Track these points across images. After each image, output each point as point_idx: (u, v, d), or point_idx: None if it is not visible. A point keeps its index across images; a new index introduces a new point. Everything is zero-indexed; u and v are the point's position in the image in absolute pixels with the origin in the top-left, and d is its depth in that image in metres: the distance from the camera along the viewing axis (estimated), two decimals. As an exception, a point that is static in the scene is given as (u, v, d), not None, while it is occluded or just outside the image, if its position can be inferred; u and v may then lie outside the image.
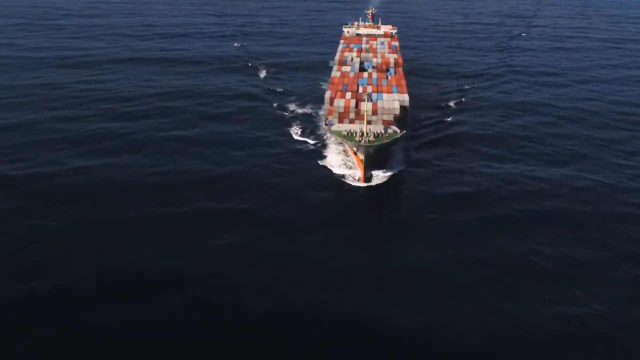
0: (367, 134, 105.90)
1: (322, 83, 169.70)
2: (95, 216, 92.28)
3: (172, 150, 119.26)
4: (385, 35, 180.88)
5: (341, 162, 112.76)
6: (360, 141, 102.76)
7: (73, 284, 75.57)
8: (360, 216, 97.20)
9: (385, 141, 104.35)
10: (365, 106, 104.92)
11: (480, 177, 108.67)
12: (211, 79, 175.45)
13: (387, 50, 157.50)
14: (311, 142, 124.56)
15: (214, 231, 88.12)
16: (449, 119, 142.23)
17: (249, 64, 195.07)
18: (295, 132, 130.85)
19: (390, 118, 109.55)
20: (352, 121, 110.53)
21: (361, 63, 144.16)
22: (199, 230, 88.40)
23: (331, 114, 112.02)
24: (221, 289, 75.32)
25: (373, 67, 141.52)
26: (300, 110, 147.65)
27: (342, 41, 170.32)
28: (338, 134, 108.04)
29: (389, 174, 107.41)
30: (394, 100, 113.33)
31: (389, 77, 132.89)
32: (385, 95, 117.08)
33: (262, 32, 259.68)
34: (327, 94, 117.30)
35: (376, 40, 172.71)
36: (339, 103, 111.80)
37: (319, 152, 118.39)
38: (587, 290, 76.42)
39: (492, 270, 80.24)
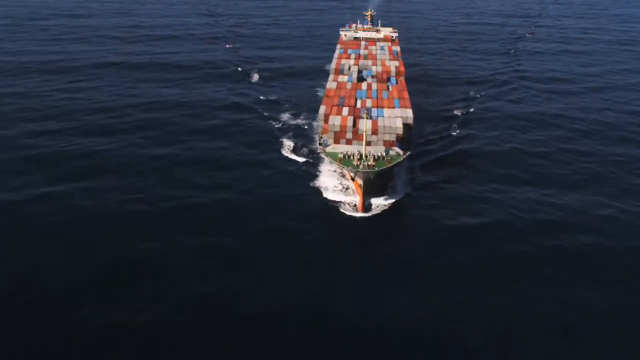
0: (366, 156, 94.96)
1: (318, 89, 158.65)
2: (57, 257, 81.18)
3: (151, 171, 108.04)
4: (385, 39, 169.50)
5: (337, 185, 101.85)
6: (358, 166, 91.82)
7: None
8: (353, 257, 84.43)
9: (387, 165, 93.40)
10: (364, 125, 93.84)
11: (492, 204, 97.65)
12: (199, 87, 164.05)
13: (387, 56, 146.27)
14: (304, 160, 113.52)
15: (193, 275, 77.31)
16: (455, 132, 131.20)
17: (240, 69, 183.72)
18: (288, 148, 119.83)
19: (392, 138, 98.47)
20: (349, 141, 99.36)
21: (359, 72, 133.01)
22: (176, 274, 77.51)
23: (326, 133, 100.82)
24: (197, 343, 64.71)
25: (372, 77, 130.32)
26: (293, 122, 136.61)
27: (338, 46, 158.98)
28: (333, 156, 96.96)
29: (390, 201, 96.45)
30: (396, 118, 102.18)
31: (390, 87, 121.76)
32: (386, 111, 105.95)
33: (255, 33, 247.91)
34: (321, 110, 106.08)
35: (375, 44, 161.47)
36: (335, 121, 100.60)
37: (312, 173, 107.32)
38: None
39: (511, 331, 69.07)
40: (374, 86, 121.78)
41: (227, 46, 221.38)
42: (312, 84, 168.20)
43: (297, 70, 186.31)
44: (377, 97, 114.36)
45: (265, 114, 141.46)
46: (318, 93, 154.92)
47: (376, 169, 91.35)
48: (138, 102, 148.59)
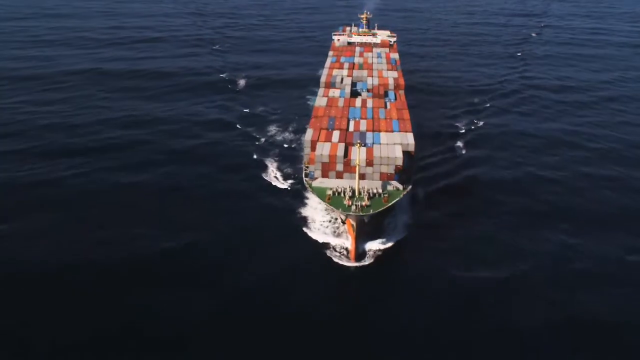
0: (359, 193, 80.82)
1: (310, 98, 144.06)
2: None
3: (113, 206, 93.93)
4: (382, 44, 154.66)
5: (326, 222, 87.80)
6: (350, 207, 77.67)
7: None
8: (340, 327, 68.90)
9: (384, 206, 79.22)
10: (357, 155, 79.63)
11: (506, 251, 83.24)
12: (178, 98, 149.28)
13: (385, 65, 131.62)
14: (290, 188, 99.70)
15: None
16: (461, 153, 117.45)
17: (225, 77, 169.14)
18: (272, 173, 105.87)
19: (391, 170, 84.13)
20: (339, 174, 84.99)
21: (353, 84, 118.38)
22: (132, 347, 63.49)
23: (312, 163, 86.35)
24: None
25: (368, 91, 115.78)
26: (280, 139, 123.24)
27: (330, 53, 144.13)
28: (321, 193, 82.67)
29: (388, 244, 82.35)
30: (395, 145, 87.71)
31: (388, 105, 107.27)
32: (383, 136, 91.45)
33: (245, 35, 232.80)
34: (308, 135, 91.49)
35: (372, 51, 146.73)
36: (323, 150, 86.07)
37: (298, 206, 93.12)
38: None
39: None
40: (370, 103, 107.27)
41: (215, 47, 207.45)
42: (301, 93, 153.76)
43: (286, 77, 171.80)
44: (372, 117, 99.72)
45: (249, 130, 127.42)
46: (309, 102, 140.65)
47: (371, 211, 77.18)
48: (109, 117, 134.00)
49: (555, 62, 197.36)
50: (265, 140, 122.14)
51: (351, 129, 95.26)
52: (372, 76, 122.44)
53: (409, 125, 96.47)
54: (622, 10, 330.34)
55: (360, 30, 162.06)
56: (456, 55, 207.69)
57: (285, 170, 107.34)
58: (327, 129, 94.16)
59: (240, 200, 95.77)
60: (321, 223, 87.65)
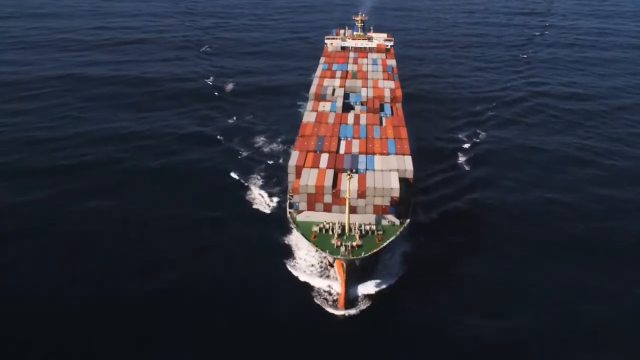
0: (350, 230, 70.66)
1: (301, 105, 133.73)
2: None
3: (77, 237, 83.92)
4: (378, 49, 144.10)
5: (314, 260, 77.51)
6: (339, 248, 67.50)
7: None
8: None
9: (378, 244, 69.11)
10: (348, 186, 69.37)
11: (514, 295, 73.28)
12: (160, 108, 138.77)
13: (380, 74, 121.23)
14: (275, 213, 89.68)
15: None
16: (464, 172, 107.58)
17: (212, 84, 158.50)
18: (256, 197, 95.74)
19: (386, 202, 73.85)
20: (327, 207, 74.66)
21: (346, 96, 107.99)
22: None
23: (297, 193, 75.96)
24: None
25: (362, 104, 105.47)
26: (267, 151, 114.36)
27: (322, 59, 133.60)
28: (306, 229, 72.41)
29: (382, 286, 72.21)
30: (391, 172, 77.36)
31: (384, 121, 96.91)
32: (378, 160, 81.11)
33: (235, 37, 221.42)
34: (293, 159, 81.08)
35: (367, 57, 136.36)
36: (309, 179, 75.62)
37: (282, 239, 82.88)
38: None
39: None
40: (363, 119, 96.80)
41: (203, 48, 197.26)
42: (292, 100, 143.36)
43: (277, 83, 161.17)
44: (366, 137, 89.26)
45: (233, 143, 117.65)
46: (300, 109, 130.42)
47: (363, 254, 66.92)
48: (81, 131, 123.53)
49: (561, 66, 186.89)
50: (251, 154, 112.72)
51: (342, 150, 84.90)
52: (367, 87, 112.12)
53: (406, 146, 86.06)
54: (627, 8, 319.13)
55: (355, 33, 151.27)
56: (456, 58, 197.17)
57: (270, 189, 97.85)
58: (315, 151, 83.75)
59: (218, 231, 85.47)
60: (308, 263, 77.11)
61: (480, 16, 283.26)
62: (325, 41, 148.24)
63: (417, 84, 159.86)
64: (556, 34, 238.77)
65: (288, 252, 79.29)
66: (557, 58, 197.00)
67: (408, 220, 74.58)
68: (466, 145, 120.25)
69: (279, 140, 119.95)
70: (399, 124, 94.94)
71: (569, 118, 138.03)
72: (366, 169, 78.44)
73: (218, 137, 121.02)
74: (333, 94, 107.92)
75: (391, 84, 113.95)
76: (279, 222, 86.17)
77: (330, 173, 76.69)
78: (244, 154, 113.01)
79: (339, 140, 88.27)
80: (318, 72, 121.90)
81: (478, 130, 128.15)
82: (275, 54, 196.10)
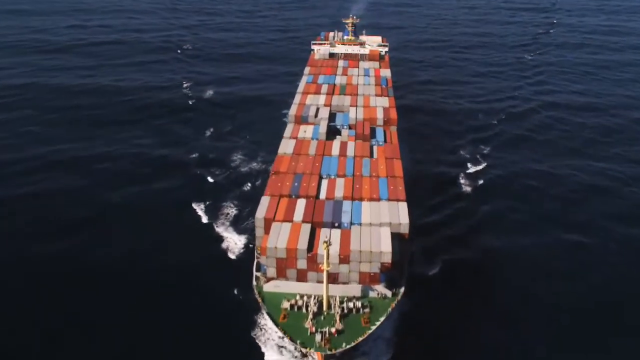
0: (328, 307, 56.19)
1: (286, 113, 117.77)
2: None
3: (6, 295, 69.46)
4: (371, 56, 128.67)
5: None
6: (313, 334, 53.09)
7: None
8: None
9: (364, 328, 54.93)
10: (325, 258, 54.64)
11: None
12: (126, 123, 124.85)
13: (373, 88, 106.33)
14: (243, 259, 74.97)
15: None
16: (469, 203, 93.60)
17: (188, 93, 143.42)
18: (221, 246, 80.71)
19: (375, 269, 59.24)
20: (302, 274, 60.01)
21: (331, 117, 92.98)
22: None
23: (264, 254, 61.02)
24: None
25: (350, 127, 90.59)
26: (245, 172, 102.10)
27: (307, 69, 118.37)
28: (273, 304, 57.96)
29: (370, 376, 57.74)
30: (382, 228, 62.70)
31: (375, 151, 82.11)
32: (366, 209, 66.50)
33: (218, 38, 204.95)
34: (261, 208, 66.38)
35: (358, 66, 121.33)
36: (279, 238, 60.98)
37: (252, 306, 67.97)
38: None
39: None
40: (351, 148, 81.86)
41: (181, 49, 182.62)
42: (277, 112, 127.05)
43: (260, 92, 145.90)
44: (353, 175, 74.53)
45: (205, 168, 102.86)
46: (285, 119, 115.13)
47: (344, 345, 52.50)
48: (30, 155, 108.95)
49: (570, 70, 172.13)
50: (225, 177, 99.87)
51: (323, 194, 70.14)
52: (357, 105, 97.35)
53: (401, 188, 71.34)
54: (635, 2, 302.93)
55: (345, 38, 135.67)
56: (457, 60, 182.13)
57: (241, 225, 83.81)
58: (290, 196, 69.05)
59: (173, 298, 70.19)
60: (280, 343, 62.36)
61: (482, 12, 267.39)
62: (312, 47, 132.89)
63: (413, 93, 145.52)
64: (563, 33, 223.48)
65: (258, 327, 64.05)
66: (566, 61, 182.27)
67: (402, 290, 60.00)
68: (471, 169, 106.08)
69: (259, 158, 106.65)
70: (392, 156, 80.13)
71: (583, 135, 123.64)
72: (351, 223, 63.70)
73: (191, 156, 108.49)
74: (316, 115, 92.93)
75: (385, 102, 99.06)
76: (248, 275, 71.45)
77: (306, 229, 62.01)
78: (218, 176, 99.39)
79: (320, 179, 73.51)
80: (301, 86, 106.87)
81: (483, 149, 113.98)
82: (261, 57, 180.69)
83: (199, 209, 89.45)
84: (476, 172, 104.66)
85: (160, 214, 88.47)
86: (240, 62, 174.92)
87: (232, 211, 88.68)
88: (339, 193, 69.80)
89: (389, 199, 68.66)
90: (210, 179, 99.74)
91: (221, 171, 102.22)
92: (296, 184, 71.53)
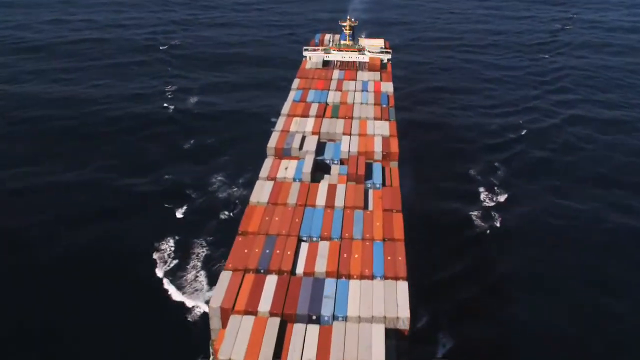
0: None
1: (276, 122, 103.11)
2: None
3: None
4: (371, 65, 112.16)
5: None
6: None
7: None
8: None
9: None
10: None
11: None
12: (91, 142, 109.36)
13: (372, 109, 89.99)
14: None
15: None
16: (485, 255, 77.95)
17: (168, 103, 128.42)
18: (184, 311, 66.56)
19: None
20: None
21: (319, 149, 77.28)
22: None
23: (218, 357, 46.00)
24: None
25: (342, 162, 75.02)
26: (223, 198, 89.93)
27: (295, 82, 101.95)
28: None
29: None
30: (375, 326, 47.21)
31: (371, 199, 66.42)
32: (354, 290, 51.01)
33: (208, 36, 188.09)
34: (217, 291, 51.06)
35: (355, 78, 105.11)
36: (237, 338, 45.80)
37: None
38: None
39: None
40: (340, 195, 65.84)
41: (163, 49, 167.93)
42: (265, 125, 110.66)
43: (250, 102, 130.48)
44: (340, 237, 59.09)
45: (172, 209, 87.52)
46: (272, 129, 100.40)
47: None
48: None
49: (594, 75, 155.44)
50: (196, 209, 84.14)
51: (300, 267, 54.66)
52: (350, 133, 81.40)
53: (401, 258, 55.66)
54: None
55: (342, 42, 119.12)
56: (467, 62, 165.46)
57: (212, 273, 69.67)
58: (258, 270, 53.83)
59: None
60: None
61: (494, 4, 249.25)
62: (304, 54, 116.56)
63: (418, 103, 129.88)
64: (583, 30, 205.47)
65: None
66: (590, 63, 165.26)
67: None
68: (486, 203, 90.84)
69: (241, 180, 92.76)
70: (392, 206, 64.33)
71: (615, 162, 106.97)
72: (334, 317, 48.46)
73: (161, 182, 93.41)
74: (301, 147, 77.16)
75: (385, 128, 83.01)
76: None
77: (273, 326, 46.82)
78: (189, 209, 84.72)
79: (299, 242, 58.13)
80: (286, 107, 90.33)
81: (500, 175, 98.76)
82: (251, 59, 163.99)
83: (160, 260, 74.80)
84: (490, 208, 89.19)
85: (110, 270, 73.62)
86: (230, 64, 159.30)
87: (198, 263, 74.16)
88: (320, 267, 54.30)
89: (384, 277, 53.25)
90: (178, 215, 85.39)
91: (197, 194, 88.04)
92: (267, 250, 56.15)
